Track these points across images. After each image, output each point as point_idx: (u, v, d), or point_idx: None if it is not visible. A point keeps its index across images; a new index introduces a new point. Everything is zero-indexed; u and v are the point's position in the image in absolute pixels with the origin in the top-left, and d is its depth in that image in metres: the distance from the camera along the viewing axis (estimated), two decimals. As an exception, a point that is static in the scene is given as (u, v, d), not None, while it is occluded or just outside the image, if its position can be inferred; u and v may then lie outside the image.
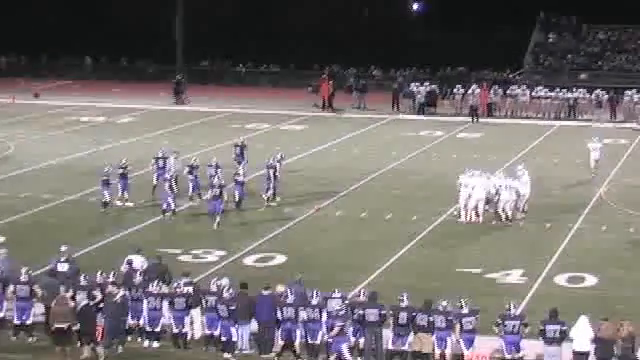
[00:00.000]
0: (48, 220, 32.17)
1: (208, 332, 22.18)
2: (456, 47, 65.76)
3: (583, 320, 20.80)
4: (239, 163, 36.44)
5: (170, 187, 32.38)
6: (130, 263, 24.08)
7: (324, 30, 69.12)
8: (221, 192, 31.41)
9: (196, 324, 22.47)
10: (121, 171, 33.77)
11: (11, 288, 22.73)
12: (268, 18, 71.01)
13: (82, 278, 22.70)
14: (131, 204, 33.69)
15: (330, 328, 21.38)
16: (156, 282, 22.65)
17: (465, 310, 21.25)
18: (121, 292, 22.13)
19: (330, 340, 21.40)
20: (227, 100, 58.75)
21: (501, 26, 66.26)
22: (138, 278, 22.97)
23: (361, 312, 21.54)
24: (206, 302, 22.17)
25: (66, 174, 34.52)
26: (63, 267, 23.80)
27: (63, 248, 24.39)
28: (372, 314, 21.45)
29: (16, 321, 22.60)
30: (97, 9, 72.31)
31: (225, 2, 72.85)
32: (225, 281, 22.59)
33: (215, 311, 21.94)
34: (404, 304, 21.49)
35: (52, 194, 35.02)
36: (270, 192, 33.87)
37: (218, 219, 31.21)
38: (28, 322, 22.59)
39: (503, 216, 31.97)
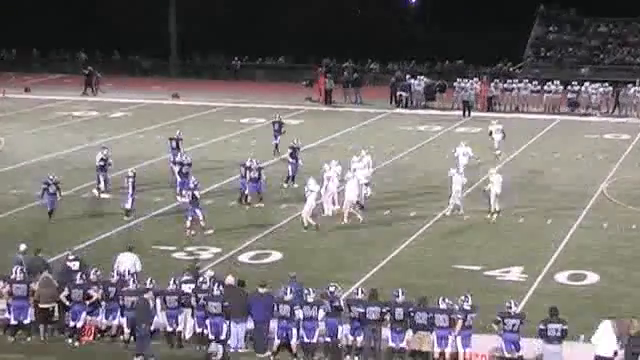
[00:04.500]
0: (40, 216, 31.60)
1: (199, 330, 21.75)
2: (455, 41, 65.30)
3: (606, 324, 20.19)
4: (275, 137, 39.43)
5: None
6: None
7: (321, 23, 68.67)
8: (194, 195, 29.92)
9: (189, 324, 22.03)
10: (102, 163, 33.60)
11: (7, 288, 22.26)
12: (264, 12, 70.53)
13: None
14: (107, 196, 33.43)
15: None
16: (149, 280, 22.15)
17: (467, 307, 20.89)
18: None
19: None
20: (222, 94, 58.30)
21: (501, 19, 65.75)
22: (128, 277, 22.60)
23: (361, 310, 21.17)
24: (197, 300, 21.72)
25: (58, 170, 34.04)
26: (75, 265, 23.54)
27: (22, 247, 24.17)
28: (373, 312, 21.12)
29: (13, 321, 22.15)
30: (90, 3, 71.76)
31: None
32: (210, 273, 22.49)
33: (203, 309, 21.54)
34: (400, 300, 21.16)
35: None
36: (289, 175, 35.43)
37: (188, 224, 29.81)
38: (26, 322, 22.15)
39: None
